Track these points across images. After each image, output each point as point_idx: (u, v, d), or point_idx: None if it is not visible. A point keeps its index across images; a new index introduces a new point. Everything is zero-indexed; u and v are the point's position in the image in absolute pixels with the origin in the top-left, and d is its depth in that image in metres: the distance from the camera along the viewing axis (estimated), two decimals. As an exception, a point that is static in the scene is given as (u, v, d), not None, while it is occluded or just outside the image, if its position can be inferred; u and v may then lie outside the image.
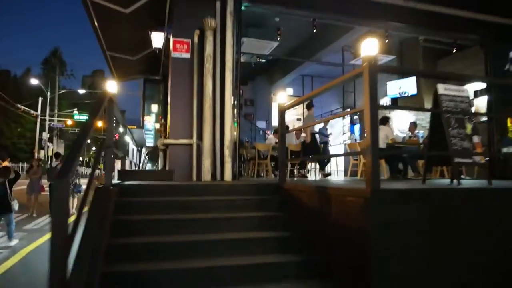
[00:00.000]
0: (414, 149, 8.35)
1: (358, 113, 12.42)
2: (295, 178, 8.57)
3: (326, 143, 9.91)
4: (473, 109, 9.84)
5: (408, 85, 11.57)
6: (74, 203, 9.92)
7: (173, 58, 6.24)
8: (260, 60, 13.02)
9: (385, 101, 12.47)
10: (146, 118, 15.88)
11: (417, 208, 2.77)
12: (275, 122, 16.37)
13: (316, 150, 9.05)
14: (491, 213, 2.98)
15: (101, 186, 3.82)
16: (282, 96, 4.64)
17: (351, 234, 2.88)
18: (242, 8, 6.76)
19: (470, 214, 2.93)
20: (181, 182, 5.36)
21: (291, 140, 9.17)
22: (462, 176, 8.08)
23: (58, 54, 40.95)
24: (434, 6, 7.55)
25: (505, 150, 8.48)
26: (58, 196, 1.94)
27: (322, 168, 9.17)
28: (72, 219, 2.42)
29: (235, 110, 6.37)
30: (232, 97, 6.12)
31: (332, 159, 11.01)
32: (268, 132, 15.11)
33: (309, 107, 9.48)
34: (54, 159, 12.72)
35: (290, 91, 15.34)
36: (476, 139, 4.18)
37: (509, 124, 8.81)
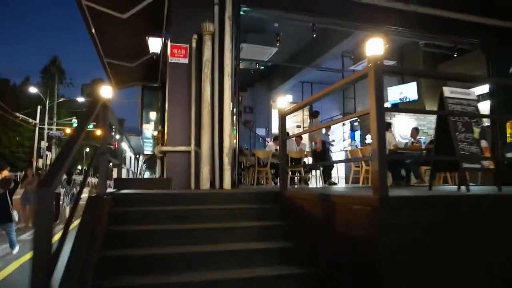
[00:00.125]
0: (417, 155, 8.19)
1: (358, 119, 12.30)
2: (296, 186, 8.40)
3: (328, 151, 9.75)
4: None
5: (409, 91, 11.44)
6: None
7: (170, 63, 6.11)
8: (259, 66, 12.91)
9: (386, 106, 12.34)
10: (145, 126, 15.74)
11: (428, 217, 2.61)
12: (274, 129, 16.21)
13: (328, 158, 8.92)
14: (506, 220, 2.81)
15: (94, 195, 3.65)
16: (282, 101, 4.50)
17: (357, 245, 2.71)
18: (241, 13, 6.65)
19: (485, 221, 2.76)
20: (178, 190, 5.20)
21: (292, 147, 9.01)
22: (466, 182, 7.99)
23: (57, 63, 40.90)
24: (435, 9, 7.46)
25: (509, 155, 8.34)
26: (40, 209, 1.75)
27: (328, 176, 8.99)
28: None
29: (234, 117, 6.23)
30: (231, 103, 5.98)
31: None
32: (268, 139, 14.95)
33: (315, 114, 9.32)
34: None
35: (289, 97, 15.19)
36: (484, 143, 4.03)
37: (508, 130, 8.67)
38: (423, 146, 8.91)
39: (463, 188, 4.18)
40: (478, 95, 10.10)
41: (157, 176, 8.23)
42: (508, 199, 2.95)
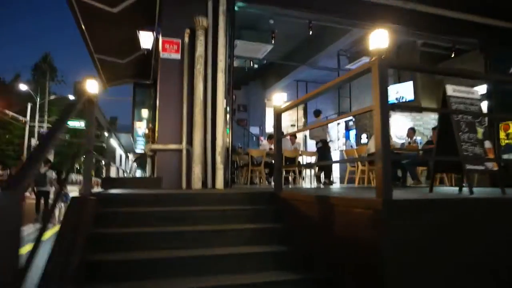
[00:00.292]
0: (414, 156, 8.06)
1: (353, 119, 12.16)
2: (290, 186, 8.23)
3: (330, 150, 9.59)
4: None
5: (405, 90, 11.31)
6: (58, 213, 9.49)
7: (162, 59, 5.90)
8: (254, 64, 12.72)
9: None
10: (137, 124, 15.47)
11: (434, 220, 2.43)
12: (268, 128, 16.03)
13: (329, 158, 8.80)
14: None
15: (78, 195, 3.44)
16: (278, 98, 4.31)
17: (358, 249, 2.54)
18: (236, 8, 6.46)
19: (491, 224, 2.60)
20: (169, 190, 4.99)
21: (286, 145, 8.83)
22: (463, 184, 7.87)
23: (48, 60, 40.27)
24: (434, 8, 7.31)
25: (505, 156, 8.24)
26: (3, 217, 1.50)
27: (328, 176, 8.83)
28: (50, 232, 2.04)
29: (228, 115, 6.03)
30: (225, 101, 5.78)
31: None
32: (262, 138, 14.77)
33: (317, 114, 9.14)
34: (43, 165, 12.32)
35: (284, 96, 15.03)
36: (487, 144, 3.87)
37: (502, 133, 8.57)
38: (420, 147, 8.79)
39: (464, 190, 4.03)
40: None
41: (147, 175, 7.99)
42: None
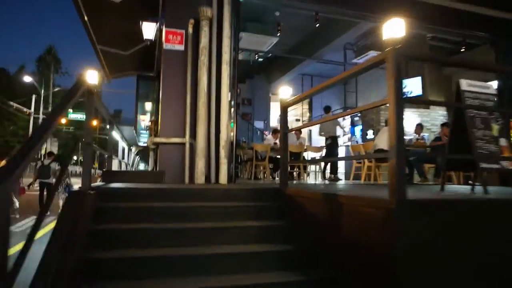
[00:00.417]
0: (422, 152, 7.90)
1: (360, 114, 11.97)
2: (294, 182, 8.09)
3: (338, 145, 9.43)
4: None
5: (413, 85, 11.09)
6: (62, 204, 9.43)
7: (165, 50, 5.76)
8: (258, 58, 12.52)
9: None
10: (141, 117, 15.34)
11: (450, 221, 2.29)
12: (273, 122, 15.87)
13: (337, 153, 8.68)
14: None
15: (76, 189, 3.32)
16: (284, 91, 4.16)
17: (367, 250, 2.41)
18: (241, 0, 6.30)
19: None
20: (171, 185, 4.86)
21: (291, 140, 8.69)
22: (470, 182, 7.70)
23: (53, 52, 40.23)
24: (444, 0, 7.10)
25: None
26: None
27: (335, 171, 8.69)
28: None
29: (232, 109, 5.89)
30: (229, 93, 5.63)
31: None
32: (266, 132, 14.61)
33: (327, 110, 8.97)
34: (46, 157, 12.29)
35: (290, 90, 14.87)
36: (503, 142, 3.71)
37: None
38: (427, 143, 8.62)
39: (477, 188, 3.88)
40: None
41: (149, 169, 7.90)
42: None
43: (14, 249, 6.21)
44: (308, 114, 16.45)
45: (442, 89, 11.08)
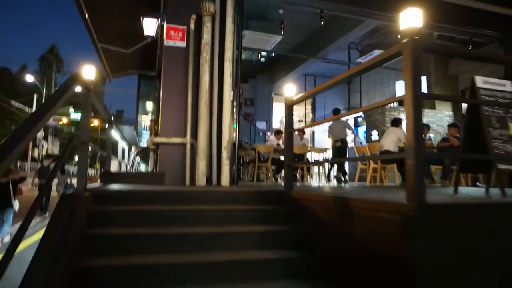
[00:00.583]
0: (429, 153, 7.68)
1: (365, 114, 11.76)
2: (298, 184, 7.91)
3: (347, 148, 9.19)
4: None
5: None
6: None
7: (166, 47, 5.57)
8: (261, 57, 12.34)
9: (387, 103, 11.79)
10: (143, 117, 15.17)
11: (474, 228, 2.10)
12: (275, 123, 15.69)
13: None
14: None
15: (69, 192, 3.15)
16: (289, 89, 3.97)
17: (382, 260, 2.22)
18: (244, -5, 6.12)
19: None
20: (171, 186, 4.68)
21: (295, 141, 8.47)
22: (478, 184, 7.51)
23: (55, 51, 40.18)
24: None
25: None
26: None
27: (343, 173, 8.50)
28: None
29: (235, 109, 5.70)
30: (232, 92, 5.45)
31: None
32: (268, 133, 14.42)
33: (336, 112, 8.76)
34: (46, 158, 12.19)
35: (294, 88, 14.67)
36: (520, 141, 3.51)
37: None
38: (434, 144, 8.42)
39: (492, 191, 3.69)
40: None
41: (149, 170, 7.72)
42: None
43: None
44: (311, 115, 16.25)
45: (447, 89, 10.89)
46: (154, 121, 7.38)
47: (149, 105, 14.23)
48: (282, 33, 9.60)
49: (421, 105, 2.10)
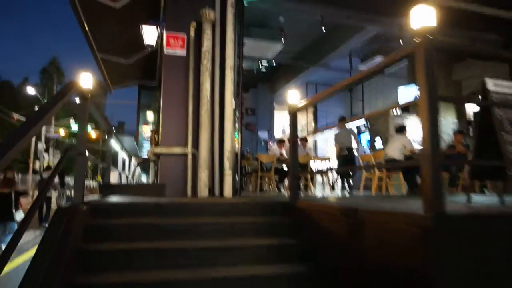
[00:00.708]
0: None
1: (368, 121, 11.64)
2: (301, 194, 7.75)
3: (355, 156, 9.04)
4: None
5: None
6: None
7: (166, 55, 5.48)
8: (262, 66, 12.25)
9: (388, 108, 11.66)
10: (144, 128, 15.07)
11: (499, 240, 1.94)
12: (277, 132, 15.58)
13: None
14: None
15: (66, 205, 3.01)
16: (294, 95, 3.85)
17: (397, 275, 2.06)
18: (245, 4, 6.05)
19: None
20: (172, 198, 4.54)
21: (298, 150, 8.34)
22: (485, 190, 7.34)
23: (56, 63, 40.36)
24: (454, 0, 6.81)
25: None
26: None
27: (349, 184, 8.35)
28: None
29: (236, 117, 5.58)
30: (233, 101, 5.33)
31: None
32: (270, 142, 14.30)
33: (342, 120, 8.63)
34: (47, 170, 12.11)
35: (298, 94, 14.58)
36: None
37: None
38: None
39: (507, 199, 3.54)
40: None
41: (150, 181, 7.59)
42: None
43: (13, 264, 5.97)
44: (313, 124, 16.14)
45: (451, 94, 10.76)
46: (155, 131, 7.25)
47: (150, 116, 14.14)
48: (283, 41, 9.54)
49: (438, 108, 1.97)
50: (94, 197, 4.49)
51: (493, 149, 3.29)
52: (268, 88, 15.44)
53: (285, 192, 7.70)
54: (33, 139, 31.29)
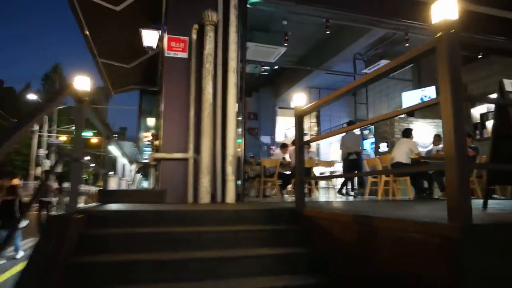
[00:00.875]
0: (442, 164, 7.35)
1: (373, 126, 11.45)
2: (306, 199, 7.55)
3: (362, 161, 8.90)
4: None
5: (430, 91, 10.56)
6: None
7: (167, 58, 5.34)
8: (265, 70, 12.09)
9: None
10: (145, 134, 14.93)
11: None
12: (279, 137, 15.40)
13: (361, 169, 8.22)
14: None
15: (59, 213, 2.84)
16: (299, 99, 3.69)
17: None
18: (248, 6, 5.90)
19: None
20: (173, 205, 4.36)
21: (301, 154, 8.17)
22: (495, 196, 7.14)
23: (58, 70, 40.42)
24: (462, 2, 6.65)
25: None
26: None
27: (354, 188, 8.20)
28: None
29: (239, 121, 5.42)
30: (236, 105, 5.17)
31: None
32: (273, 147, 14.12)
33: (350, 124, 8.49)
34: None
35: (304, 97, 14.40)
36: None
37: None
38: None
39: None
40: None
41: (150, 187, 7.42)
42: None
43: (10, 272, 5.78)
44: (316, 128, 15.96)
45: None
46: (156, 136, 7.10)
47: (151, 120, 14.00)
48: (286, 44, 9.38)
49: (462, 108, 1.80)
50: (92, 204, 4.31)
51: (509, 154, 3.11)
52: (271, 93, 15.29)
53: (288, 197, 7.51)
54: (35, 146, 31.31)
